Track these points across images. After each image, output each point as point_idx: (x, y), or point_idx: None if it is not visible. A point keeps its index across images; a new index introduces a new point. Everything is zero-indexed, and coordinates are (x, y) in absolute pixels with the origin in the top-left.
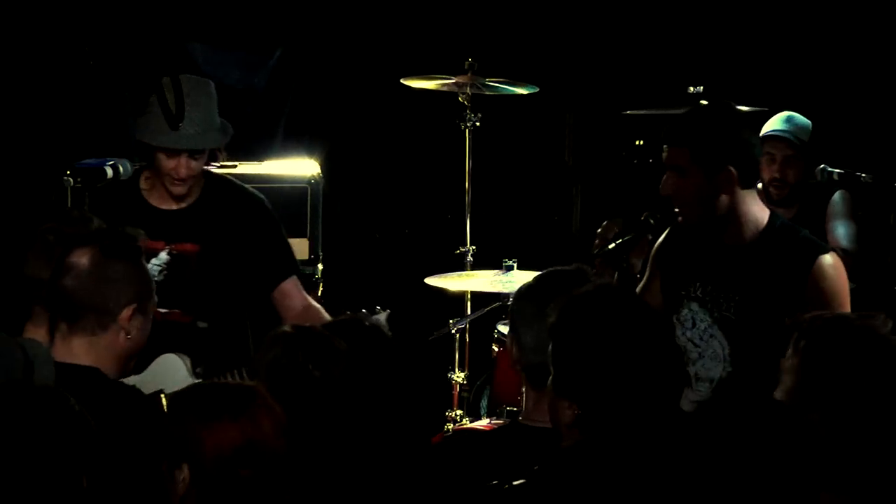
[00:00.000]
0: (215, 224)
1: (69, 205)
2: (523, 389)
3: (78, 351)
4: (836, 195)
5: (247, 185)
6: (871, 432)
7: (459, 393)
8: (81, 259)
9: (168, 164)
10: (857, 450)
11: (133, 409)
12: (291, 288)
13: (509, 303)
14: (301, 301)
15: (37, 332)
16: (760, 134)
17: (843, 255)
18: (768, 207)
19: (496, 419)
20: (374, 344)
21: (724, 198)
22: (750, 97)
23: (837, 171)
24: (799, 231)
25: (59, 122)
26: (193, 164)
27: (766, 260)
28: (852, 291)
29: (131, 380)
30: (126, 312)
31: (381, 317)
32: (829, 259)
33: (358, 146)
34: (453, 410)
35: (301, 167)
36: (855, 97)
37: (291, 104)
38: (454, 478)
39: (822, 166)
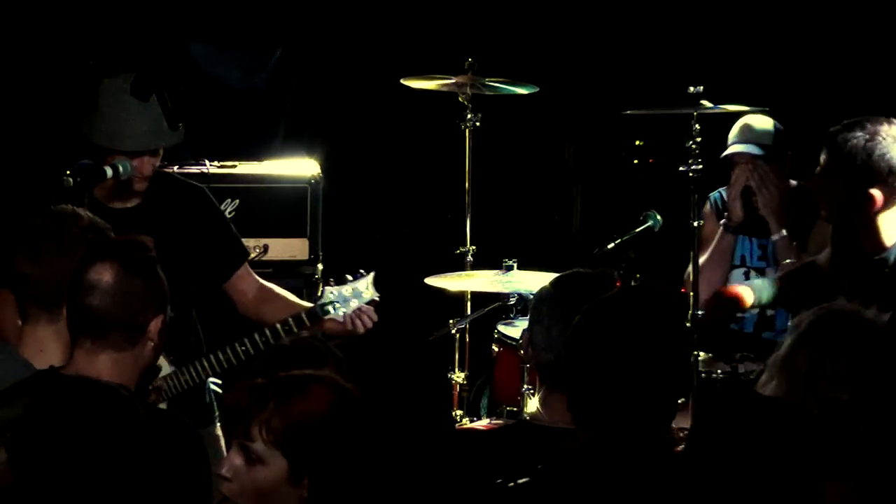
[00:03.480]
0: (165, 219)
1: (69, 205)
2: (523, 389)
3: (102, 367)
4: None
5: (186, 178)
6: (878, 421)
7: (459, 393)
8: (104, 276)
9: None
10: (864, 438)
11: (167, 431)
12: (244, 274)
13: (510, 302)
14: (254, 283)
15: (35, 333)
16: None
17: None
18: None
19: (496, 419)
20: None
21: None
22: (750, 97)
23: None
24: None
25: (59, 122)
26: (155, 160)
27: None
28: None
29: None
30: (155, 325)
31: (366, 280)
32: None
33: (358, 146)
34: (453, 410)
35: (301, 167)
36: (855, 97)
37: (291, 104)
38: (465, 477)
39: None
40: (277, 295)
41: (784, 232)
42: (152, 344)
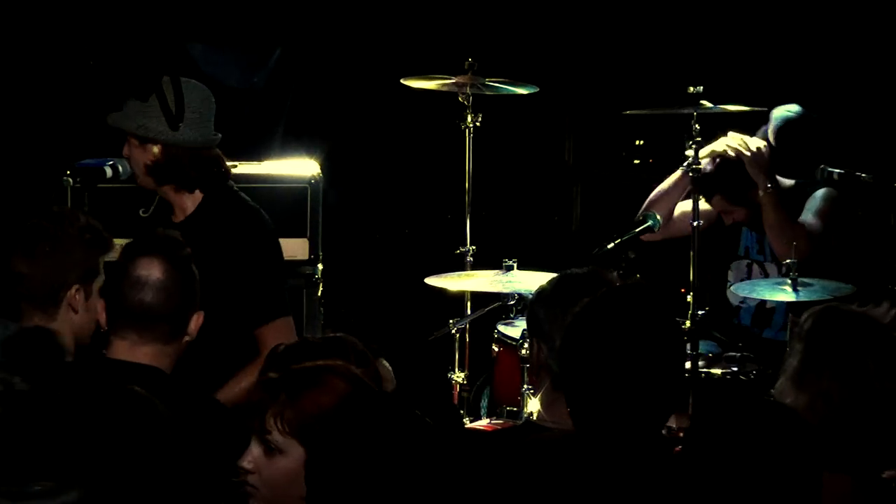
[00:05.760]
0: (204, 243)
1: (69, 205)
2: (522, 389)
3: (143, 357)
4: (820, 192)
5: (260, 213)
6: (873, 413)
7: (459, 393)
8: (152, 272)
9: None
10: (859, 430)
11: (201, 408)
12: (276, 331)
13: (510, 303)
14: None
15: None
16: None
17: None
18: None
19: (496, 419)
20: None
21: None
22: (750, 97)
23: (837, 171)
24: None
25: (59, 122)
26: (140, 151)
27: None
28: (853, 294)
29: None
30: (195, 320)
31: None
32: None
33: (358, 146)
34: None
35: (301, 167)
36: (855, 97)
37: (291, 104)
38: (473, 478)
39: (822, 166)
40: None
41: (770, 186)
42: (188, 338)
